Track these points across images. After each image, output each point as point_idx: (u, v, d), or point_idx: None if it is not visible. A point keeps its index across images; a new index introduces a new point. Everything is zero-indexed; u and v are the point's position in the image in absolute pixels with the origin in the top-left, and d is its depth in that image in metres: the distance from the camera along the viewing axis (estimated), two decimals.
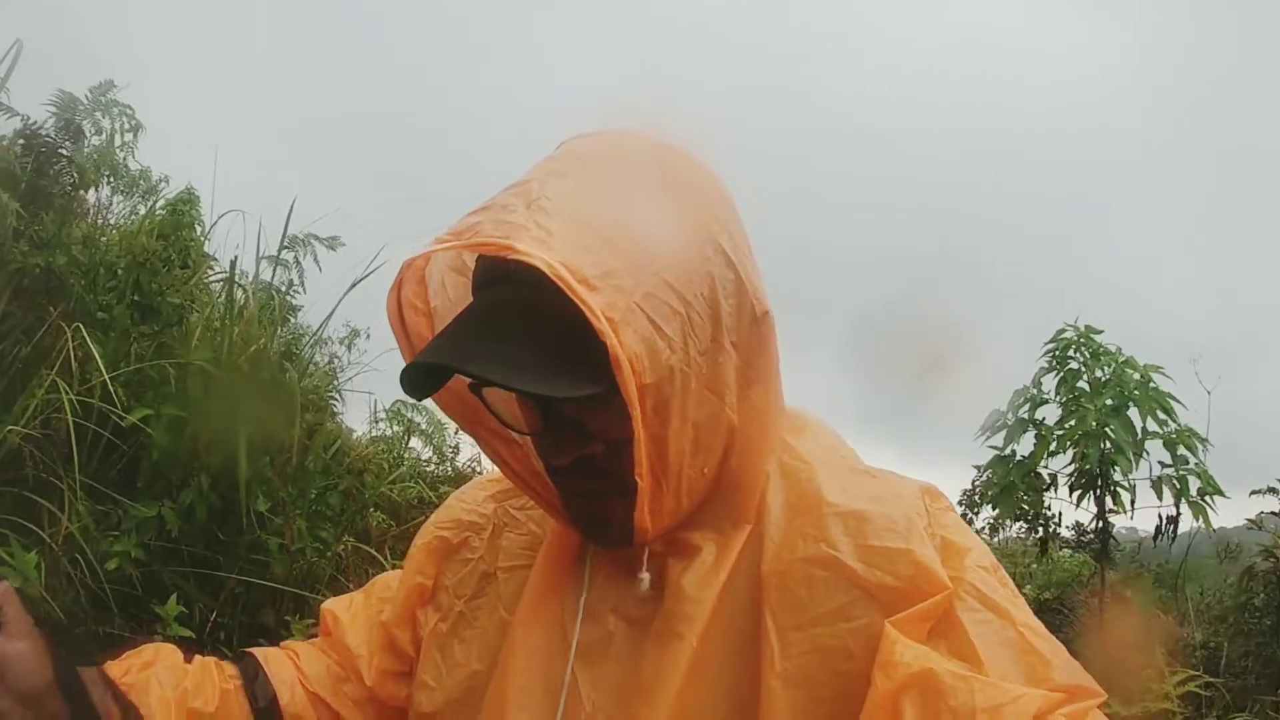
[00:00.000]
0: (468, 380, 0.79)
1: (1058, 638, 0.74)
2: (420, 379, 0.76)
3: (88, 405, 2.52)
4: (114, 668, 0.87)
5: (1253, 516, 3.36)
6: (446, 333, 0.76)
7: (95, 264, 2.86)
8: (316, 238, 4.38)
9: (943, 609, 0.72)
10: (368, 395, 4.33)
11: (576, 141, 0.80)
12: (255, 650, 0.97)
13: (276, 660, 0.97)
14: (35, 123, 2.96)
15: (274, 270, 3.90)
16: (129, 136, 3.02)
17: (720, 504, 0.80)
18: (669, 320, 0.72)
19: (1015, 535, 4.96)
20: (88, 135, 3.06)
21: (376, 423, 4.73)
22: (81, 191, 2.90)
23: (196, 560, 2.67)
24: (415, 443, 5.00)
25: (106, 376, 2.42)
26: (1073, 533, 3.46)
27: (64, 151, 2.98)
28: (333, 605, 1.01)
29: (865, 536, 0.75)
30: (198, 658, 0.94)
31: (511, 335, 0.71)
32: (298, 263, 4.26)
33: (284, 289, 4.09)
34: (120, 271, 2.82)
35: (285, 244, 3.90)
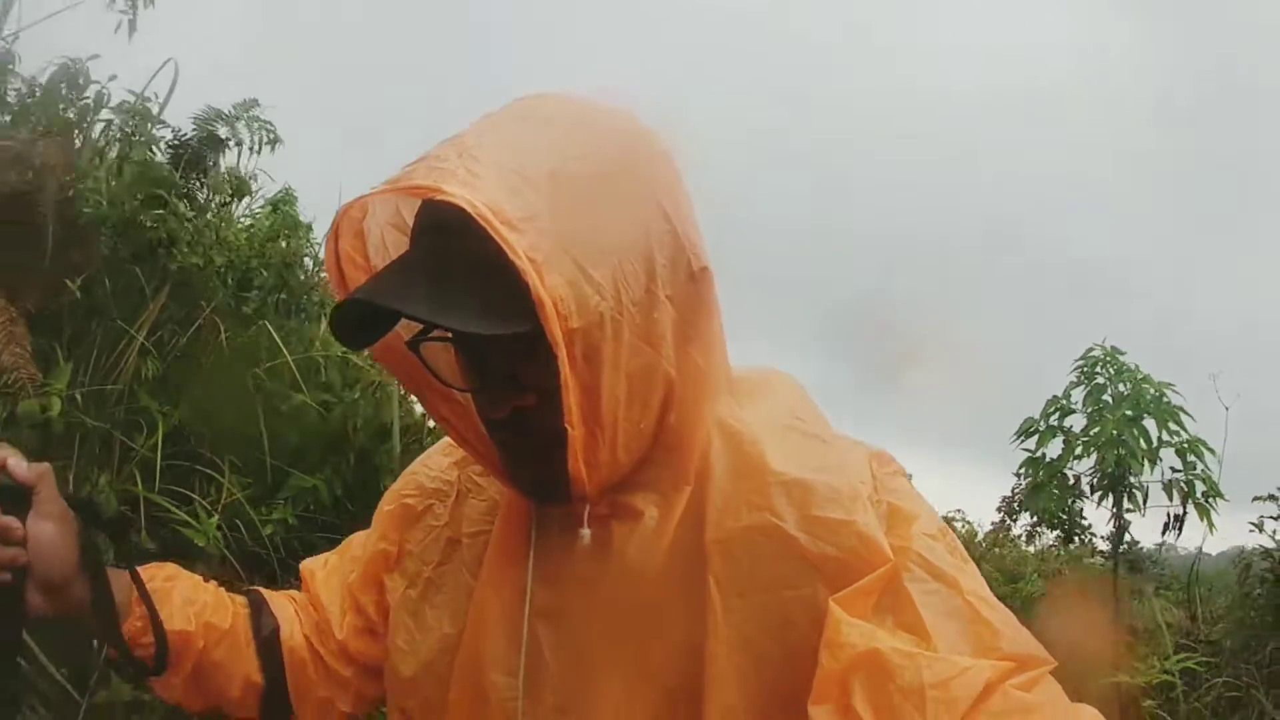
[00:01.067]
0: (405, 337, 0.82)
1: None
2: (353, 327, 0.77)
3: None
4: (140, 571, 0.93)
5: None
6: (377, 275, 0.77)
7: (240, 263, 3.26)
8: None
9: (887, 580, 0.72)
10: None
11: (523, 99, 0.80)
12: (259, 589, 1.03)
13: (279, 601, 1.02)
14: (185, 133, 3.37)
15: None
16: (267, 149, 3.40)
17: (660, 465, 0.80)
18: (597, 266, 0.71)
19: (1051, 544, 5.31)
20: (229, 145, 3.46)
21: None
22: (235, 199, 3.29)
23: (328, 527, 3.08)
24: None
25: (290, 359, 2.81)
26: (1106, 542, 3.83)
27: (211, 162, 3.40)
28: (310, 564, 1.06)
29: (809, 506, 0.76)
30: (212, 583, 1.00)
31: (442, 279, 0.71)
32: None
33: None
34: (265, 271, 3.22)
35: None
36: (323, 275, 3.46)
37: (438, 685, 0.86)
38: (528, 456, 0.79)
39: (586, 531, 0.79)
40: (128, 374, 2.84)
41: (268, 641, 0.98)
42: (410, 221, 0.80)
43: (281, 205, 4.01)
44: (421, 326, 0.79)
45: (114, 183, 2.90)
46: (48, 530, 0.84)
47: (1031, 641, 0.71)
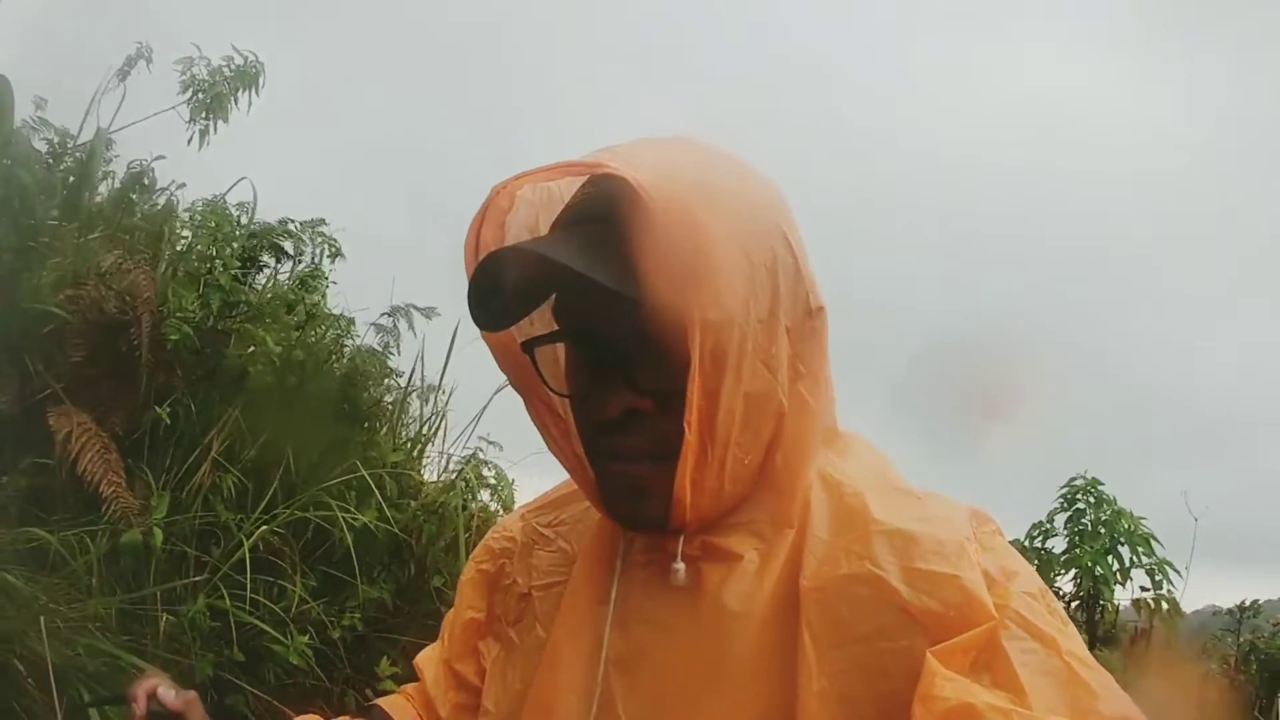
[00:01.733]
0: (519, 339, 0.83)
1: None
2: (489, 303, 0.78)
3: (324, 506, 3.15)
4: None
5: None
6: (525, 241, 0.79)
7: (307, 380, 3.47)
8: (415, 308, 4.95)
9: (987, 639, 0.70)
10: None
11: (660, 135, 0.82)
12: (381, 701, 1.04)
13: (400, 709, 1.02)
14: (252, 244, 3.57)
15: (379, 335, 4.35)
16: (329, 263, 3.63)
17: (760, 506, 0.79)
18: (734, 272, 0.72)
19: None
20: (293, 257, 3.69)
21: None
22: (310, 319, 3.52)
23: (386, 627, 3.32)
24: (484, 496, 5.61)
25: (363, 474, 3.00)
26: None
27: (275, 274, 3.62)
28: (420, 657, 1.05)
29: (912, 558, 0.74)
30: None
31: (585, 250, 0.72)
32: (395, 328, 4.79)
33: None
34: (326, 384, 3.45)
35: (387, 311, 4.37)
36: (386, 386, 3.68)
37: None
38: (630, 467, 0.77)
39: (681, 566, 0.77)
40: (204, 488, 3.06)
41: None
42: (547, 219, 0.82)
43: (310, 279, 4.19)
44: (536, 333, 0.82)
45: (196, 307, 3.11)
46: None
47: (1129, 705, 0.68)
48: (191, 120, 3.32)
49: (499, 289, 0.77)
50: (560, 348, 0.85)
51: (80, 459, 2.67)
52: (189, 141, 3.37)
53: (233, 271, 3.19)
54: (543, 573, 0.91)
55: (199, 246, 3.23)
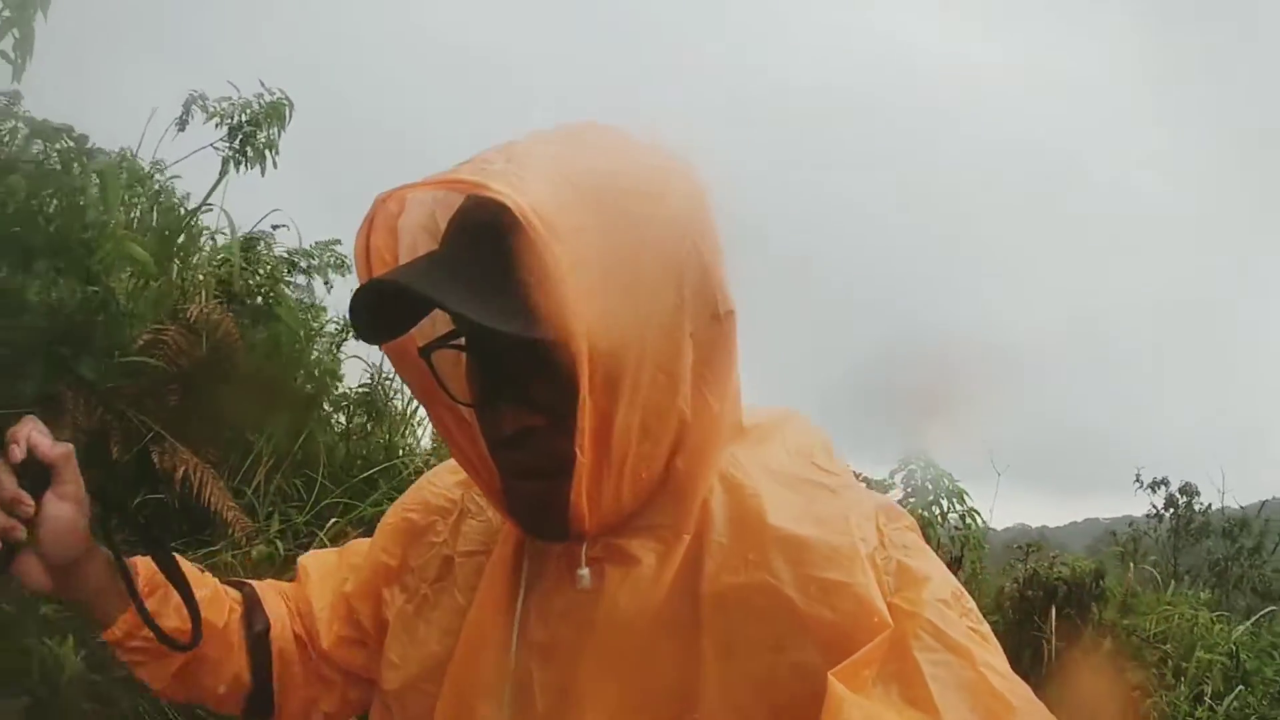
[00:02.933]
0: (419, 343, 0.80)
1: None
2: (373, 320, 0.76)
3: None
4: (142, 565, 0.92)
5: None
6: (403, 266, 0.77)
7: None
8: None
9: (892, 648, 0.70)
10: None
11: (568, 123, 0.80)
12: (253, 583, 1.02)
13: (272, 597, 1.01)
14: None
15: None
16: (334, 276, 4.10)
17: (662, 511, 0.79)
18: (630, 292, 0.71)
19: None
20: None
21: None
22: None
23: None
24: None
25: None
26: None
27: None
28: (308, 560, 1.04)
29: (805, 565, 0.74)
30: (208, 574, 0.98)
31: (470, 275, 0.70)
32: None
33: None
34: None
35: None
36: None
37: (422, 703, 0.86)
38: (529, 483, 0.78)
39: (585, 572, 0.78)
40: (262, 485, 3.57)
41: (258, 639, 0.98)
42: (443, 229, 0.79)
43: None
44: (436, 336, 0.80)
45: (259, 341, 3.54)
46: (64, 510, 0.85)
47: (1045, 714, 0.69)
48: (233, 160, 3.60)
49: (377, 315, 0.76)
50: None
51: (200, 491, 3.16)
52: (222, 175, 3.65)
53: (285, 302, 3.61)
54: (468, 539, 0.92)
55: (251, 280, 3.60)
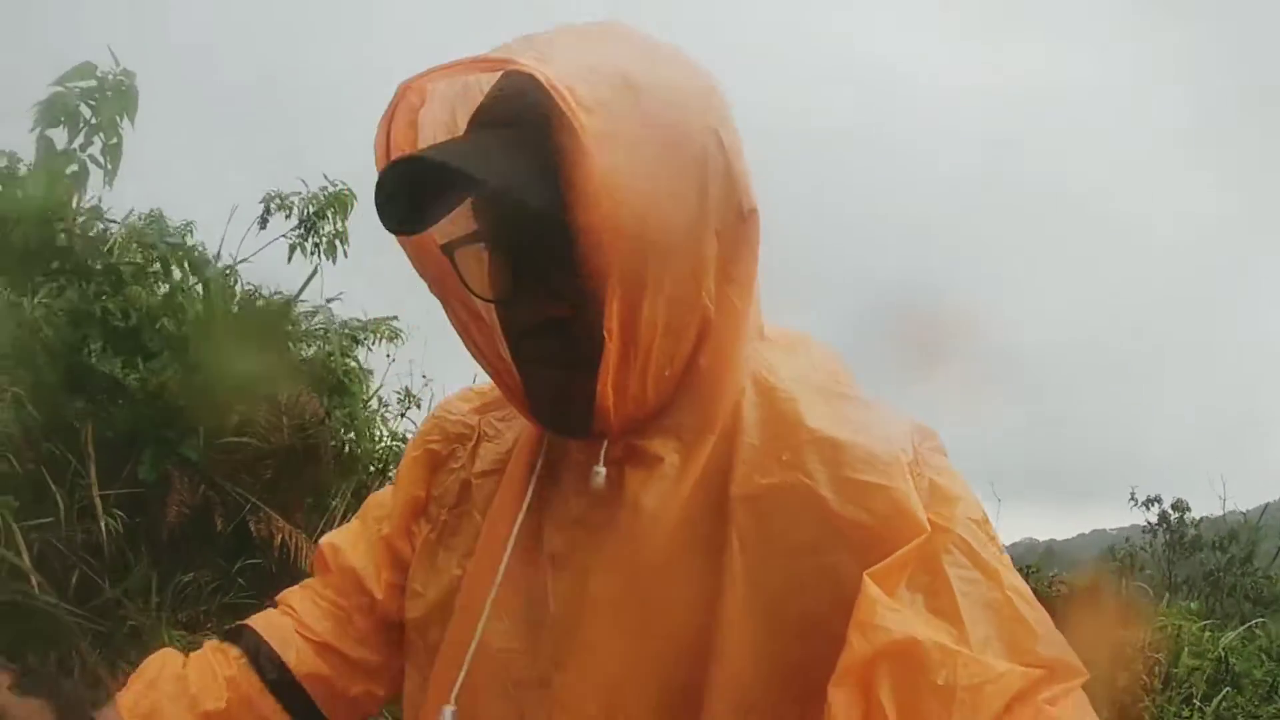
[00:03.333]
0: (440, 241, 0.79)
1: None
2: (393, 204, 0.74)
3: None
4: (124, 701, 0.87)
5: None
6: (433, 145, 0.75)
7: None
8: None
9: (924, 556, 0.69)
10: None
11: (592, 21, 0.78)
12: (252, 621, 0.97)
13: (276, 625, 0.96)
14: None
15: None
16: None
17: (685, 410, 0.78)
18: (657, 178, 0.70)
19: None
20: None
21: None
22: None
23: None
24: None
25: None
26: None
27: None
28: (329, 538, 1.01)
29: (841, 467, 0.73)
30: (194, 654, 0.93)
31: (495, 155, 0.71)
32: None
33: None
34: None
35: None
36: None
37: (442, 628, 0.85)
38: (552, 373, 0.77)
39: (602, 470, 0.77)
40: None
41: (280, 681, 0.93)
42: (463, 126, 0.78)
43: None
44: (459, 235, 0.78)
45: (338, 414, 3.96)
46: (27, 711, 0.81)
47: (1066, 649, 0.68)
48: (308, 253, 4.03)
49: (406, 195, 0.74)
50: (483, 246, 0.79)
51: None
52: (313, 275, 4.08)
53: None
54: (485, 461, 0.91)
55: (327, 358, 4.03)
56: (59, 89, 3.17)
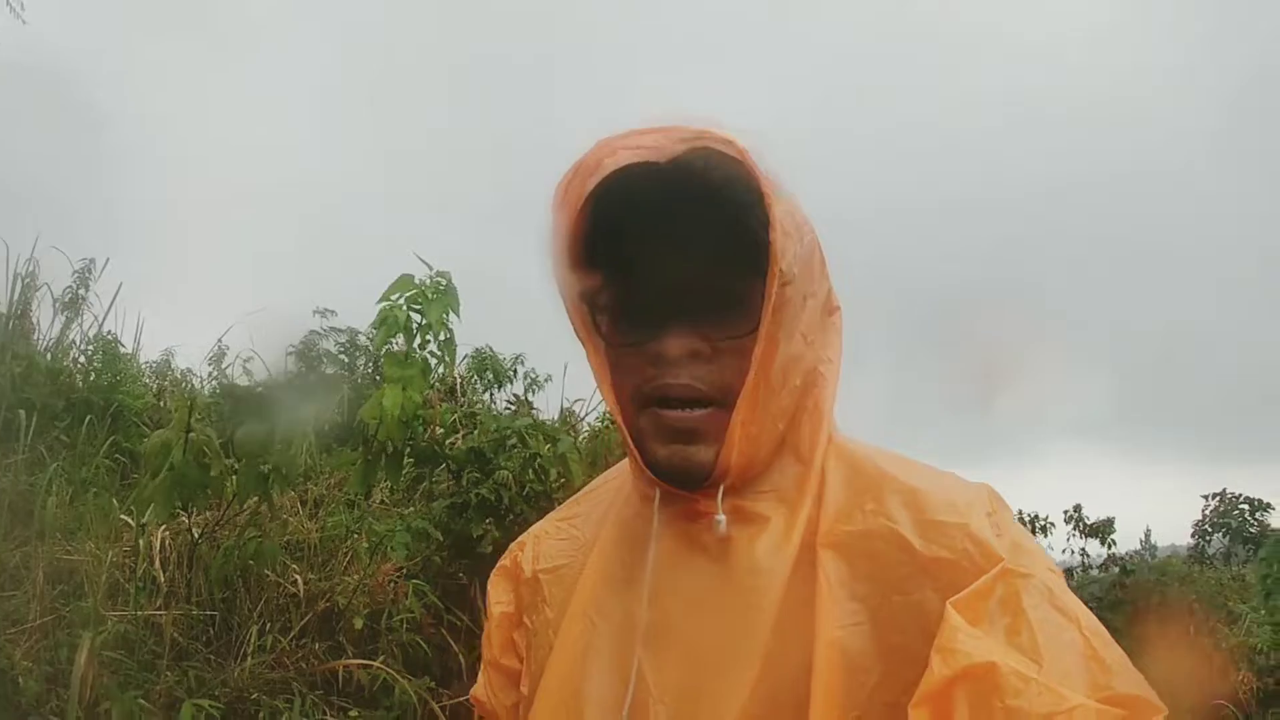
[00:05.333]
0: (578, 287, 0.85)
1: None
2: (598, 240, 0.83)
3: None
4: None
5: None
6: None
7: None
8: None
9: (1005, 589, 0.72)
10: None
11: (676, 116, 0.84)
12: None
13: None
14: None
15: None
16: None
17: (783, 474, 0.84)
18: (797, 244, 0.80)
19: None
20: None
21: None
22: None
23: None
24: None
25: None
26: None
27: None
28: (476, 691, 1.03)
29: (923, 511, 0.78)
30: None
31: (680, 206, 0.79)
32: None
33: None
34: None
35: None
36: None
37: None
38: (685, 413, 0.81)
39: (723, 518, 0.80)
40: None
41: None
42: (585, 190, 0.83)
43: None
44: (598, 282, 0.85)
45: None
46: None
47: (1144, 686, 0.69)
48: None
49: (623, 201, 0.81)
50: (608, 297, 0.86)
51: None
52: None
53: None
54: (550, 558, 0.97)
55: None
56: (384, 304, 3.44)
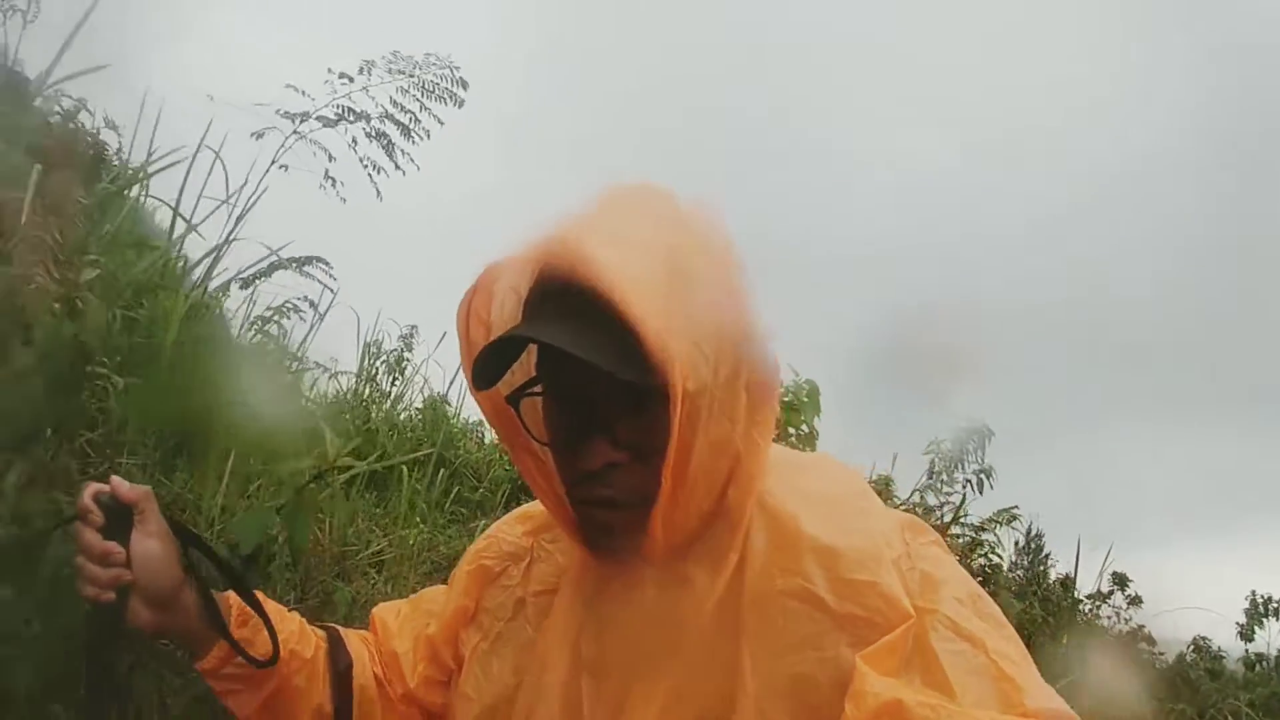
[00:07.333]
0: (504, 393, 0.92)
1: None
2: (485, 369, 0.88)
3: None
4: (234, 599, 1.01)
5: None
6: (520, 324, 0.89)
7: None
8: None
9: (912, 638, 0.79)
10: None
11: (624, 187, 0.93)
12: (335, 626, 1.12)
13: (353, 639, 1.10)
14: None
15: None
16: None
17: (714, 537, 0.89)
18: (706, 342, 0.83)
19: None
20: None
21: None
22: None
23: None
24: None
25: None
26: None
27: None
28: (382, 612, 1.13)
29: (838, 570, 0.84)
30: (295, 613, 1.08)
31: (578, 325, 0.82)
32: None
33: None
34: None
35: None
36: None
37: None
38: (603, 511, 0.89)
39: (651, 593, 0.88)
40: None
41: (341, 676, 1.05)
42: (524, 290, 0.91)
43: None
44: (520, 384, 0.93)
45: None
46: (152, 548, 0.92)
47: (1056, 699, 0.75)
48: None
49: (502, 361, 0.89)
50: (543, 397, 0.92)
51: None
52: None
53: None
54: (539, 581, 1.03)
55: None
56: None
